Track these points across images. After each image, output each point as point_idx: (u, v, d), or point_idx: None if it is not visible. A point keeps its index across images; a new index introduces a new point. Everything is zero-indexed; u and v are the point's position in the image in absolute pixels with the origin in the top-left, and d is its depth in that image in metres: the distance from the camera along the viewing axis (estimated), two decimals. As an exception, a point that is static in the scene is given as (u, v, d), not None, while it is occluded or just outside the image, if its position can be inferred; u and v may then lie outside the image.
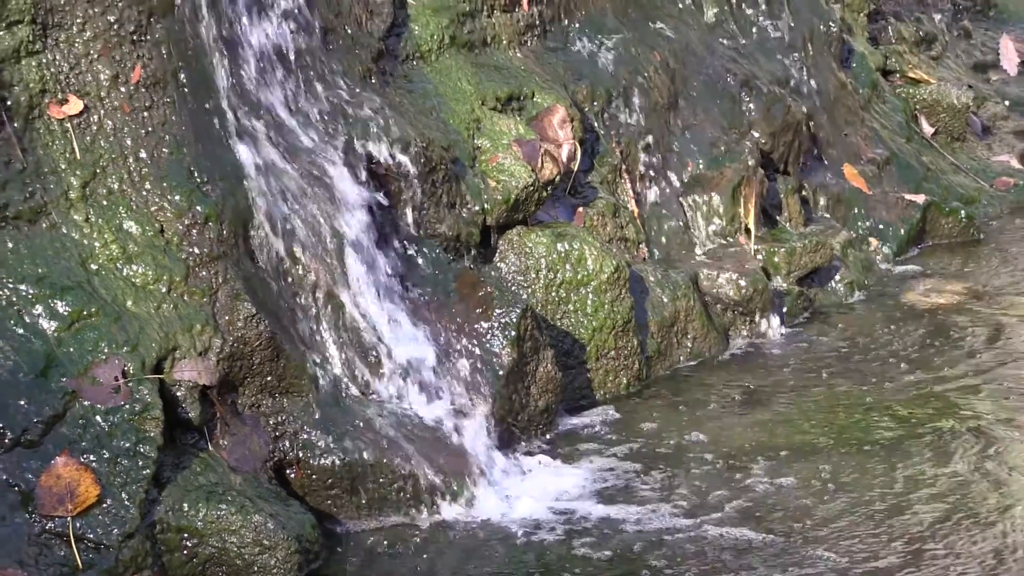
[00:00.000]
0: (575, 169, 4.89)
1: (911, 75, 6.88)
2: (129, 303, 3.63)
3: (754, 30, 6.07)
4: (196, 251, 3.74)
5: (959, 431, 4.32)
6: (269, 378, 3.78)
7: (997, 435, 4.29)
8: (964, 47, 7.60)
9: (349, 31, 4.51)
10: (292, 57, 4.25)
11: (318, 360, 3.92)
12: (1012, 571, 3.50)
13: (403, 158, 4.38)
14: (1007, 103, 7.31)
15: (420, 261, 4.35)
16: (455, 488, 3.89)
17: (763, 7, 6.15)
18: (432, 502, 3.85)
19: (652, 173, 5.26)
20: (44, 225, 3.62)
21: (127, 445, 3.44)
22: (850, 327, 5.24)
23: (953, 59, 7.40)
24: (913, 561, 3.59)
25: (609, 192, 5.03)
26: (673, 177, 5.31)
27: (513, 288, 4.52)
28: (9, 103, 3.62)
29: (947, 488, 3.97)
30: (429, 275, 4.34)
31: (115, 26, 3.76)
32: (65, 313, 3.53)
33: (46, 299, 3.52)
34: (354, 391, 3.97)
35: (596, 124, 5.11)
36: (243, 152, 3.96)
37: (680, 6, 5.79)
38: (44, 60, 3.69)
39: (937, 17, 7.55)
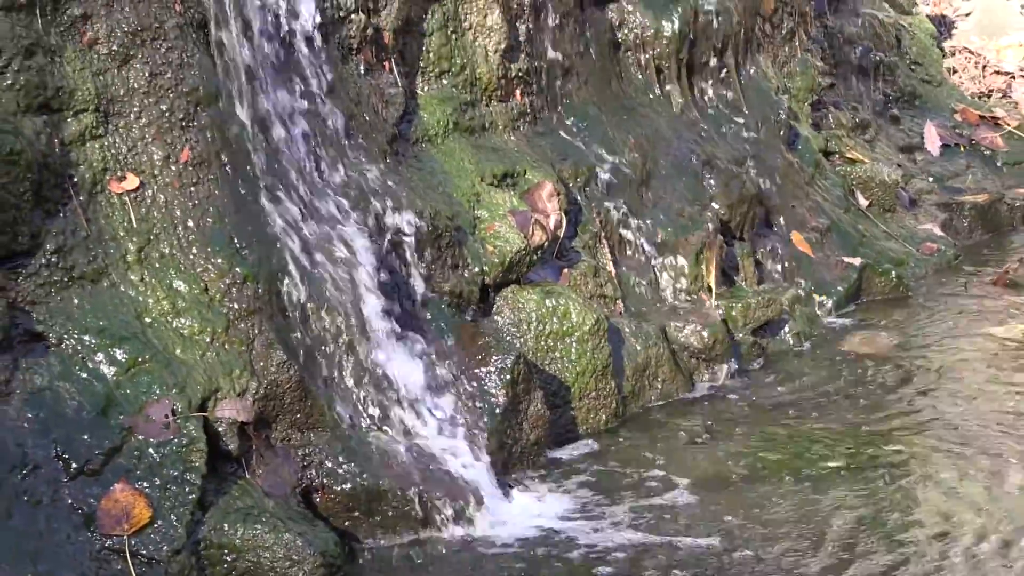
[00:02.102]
0: (561, 236, 4.90)
1: (849, 155, 6.89)
2: (178, 351, 3.63)
3: (714, 117, 6.09)
4: (235, 306, 3.74)
5: (888, 462, 4.31)
6: (298, 415, 3.78)
7: (918, 466, 4.29)
8: (893, 132, 7.62)
9: (367, 118, 4.52)
10: (319, 139, 4.26)
11: (340, 399, 3.92)
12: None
13: (414, 226, 4.39)
14: (931, 180, 7.33)
15: (428, 315, 4.35)
16: (457, 510, 3.87)
17: (722, 99, 6.17)
18: (438, 522, 3.83)
19: (627, 239, 5.26)
20: (105, 284, 3.62)
21: (175, 473, 3.44)
22: (797, 372, 5.24)
23: (884, 142, 7.42)
24: (842, 569, 3.59)
25: (590, 255, 5.03)
26: (645, 243, 5.31)
27: (508, 338, 4.51)
28: (76, 179, 3.63)
29: (874, 510, 3.97)
30: (436, 326, 4.33)
31: (166, 114, 3.78)
32: (123, 360, 3.53)
33: (106, 348, 3.53)
34: (371, 426, 3.96)
35: (579, 197, 5.12)
36: (276, 221, 3.96)
37: (651, 97, 5.80)
38: (106, 143, 3.70)
39: (870, 106, 7.58)
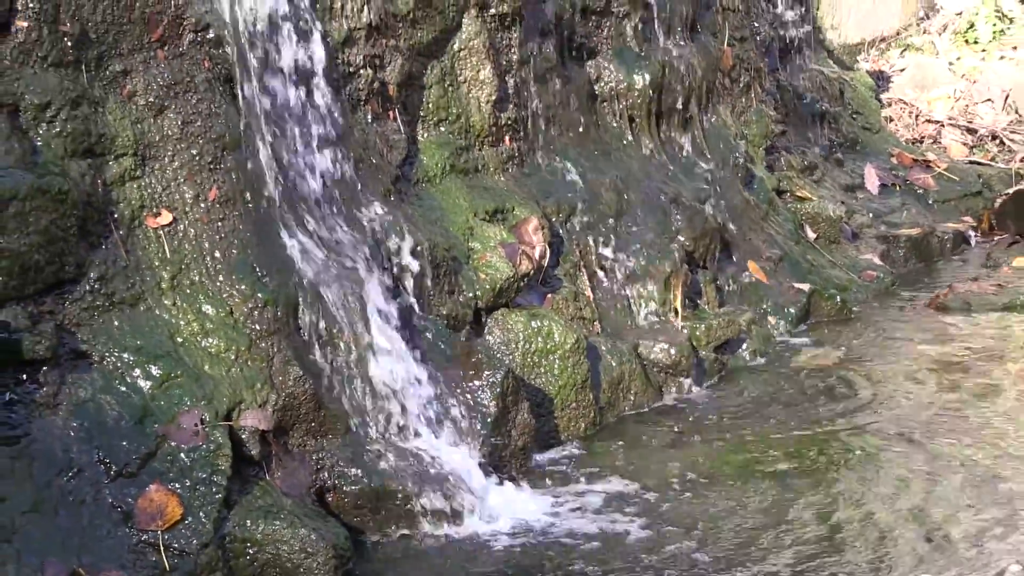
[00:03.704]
0: (545, 265, 4.90)
1: (798, 194, 6.90)
2: (206, 367, 3.63)
3: (680, 160, 6.10)
4: (257, 328, 3.74)
5: (835, 463, 4.32)
6: (312, 424, 3.78)
7: (864, 466, 4.29)
8: (838, 173, 7.64)
9: (374, 160, 4.53)
10: (331, 180, 4.26)
11: (350, 410, 3.91)
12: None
13: (415, 256, 4.39)
14: (870, 215, 7.35)
15: (428, 335, 4.35)
16: (453, 508, 3.87)
17: (686, 143, 6.19)
18: (436, 519, 3.83)
19: (603, 268, 5.27)
20: (142, 308, 3.62)
21: (204, 476, 3.43)
22: (754, 384, 5.24)
23: (830, 182, 7.44)
24: (794, 557, 3.60)
25: (571, 282, 5.04)
26: (619, 271, 5.32)
27: (498, 355, 4.51)
28: (116, 216, 3.63)
29: (823, 506, 3.96)
30: (434, 345, 4.33)
31: (196, 158, 3.79)
32: (157, 375, 3.53)
33: (143, 364, 3.53)
34: (377, 434, 3.96)
35: (561, 231, 5.13)
36: (292, 252, 3.96)
37: (624, 142, 5.82)
38: (143, 183, 3.71)
39: (817, 151, 7.61)
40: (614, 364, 4.86)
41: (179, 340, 3.63)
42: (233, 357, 3.67)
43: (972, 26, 9.89)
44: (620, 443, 4.59)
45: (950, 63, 9.44)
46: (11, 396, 3.30)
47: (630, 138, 5.85)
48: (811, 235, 6.69)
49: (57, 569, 3.12)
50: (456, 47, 4.91)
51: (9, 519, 3.13)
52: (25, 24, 3.47)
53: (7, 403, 3.29)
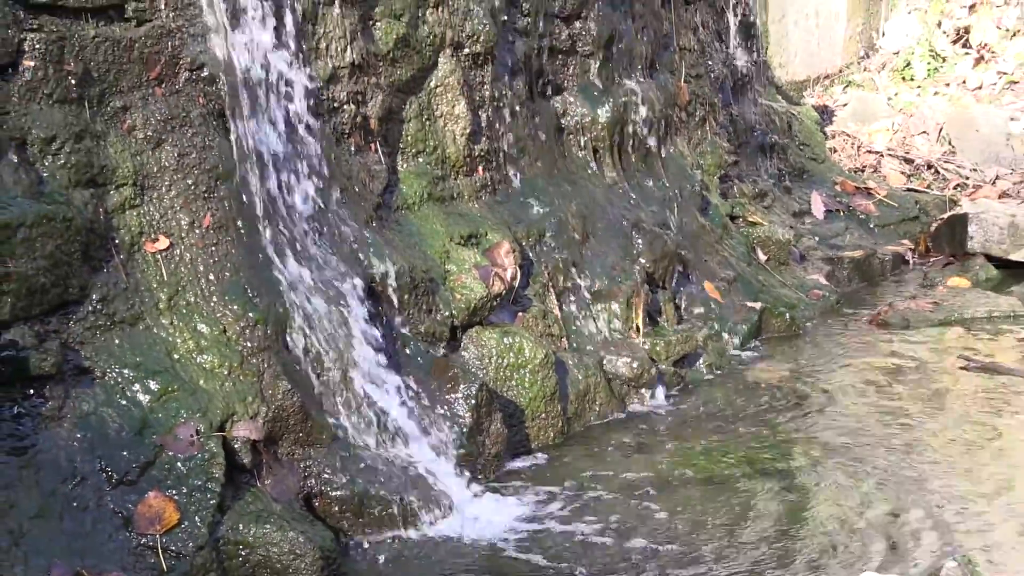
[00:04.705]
0: (516, 286, 4.91)
1: (750, 219, 6.93)
2: (201, 382, 3.63)
3: (641, 188, 6.13)
4: (249, 345, 3.74)
5: (785, 468, 4.34)
6: (300, 434, 3.78)
7: (812, 470, 4.32)
8: (787, 200, 7.69)
9: (357, 189, 4.54)
10: (316, 207, 4.27)
11: (335, 421, 3.92)
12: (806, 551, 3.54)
13: (395, 278, 4.40)
14: (817, 239, 7.38)
15: (407, 351, 4.36)
16: (432, 512, 3.88)
17: (647, 174, 6.22)
18: (416, 521, 3.84)
19: (570, 288, 5.28)
20: (141, 327, 3.62)
21: (199, 483, 3.43)
22: (710, 395, 5.26)
23: (779, 208, 7.48)
24: (749, 553, 3.62)
25: (540, 301, 5.05)
26: (585, 291, 5.33)
27: (473, 370, 4.53)
28: (117, 241, 3.64)
29: (776, 506, 3.99)
30: (413, 360, 4.34)
31: (192, 187, 3.79)
32: (155, 389, 3.53)
33: (142, 379, 3.52)
34: (360, 443, 3.97)
35: (531, 254, 5.14)
36: (281, 274, 3.97)
37: (589, 171, 5.84)
38: (142, 211, 3.71)
39: (767, 179, 7.64)
40: (580, 377, 4.88)
41: (176, 357, 3.63)
42: (226, 372, 3.67)
43: (908, 64, 10.00)
44: (586, 451, 4.61)
45: (889, 98, 9.53)
46: (19, 409, 3.30)
47: (594, 168, 5.87)
48: (762, 257, 6.72)
49: (62, 571, 3.11)
50: (433, 84, 4.93)
51: (17, 524, 3.13)
52: (32, 63, 3.48)
53: (15, 416, 3.28)
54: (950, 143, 8.77)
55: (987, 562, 3.43)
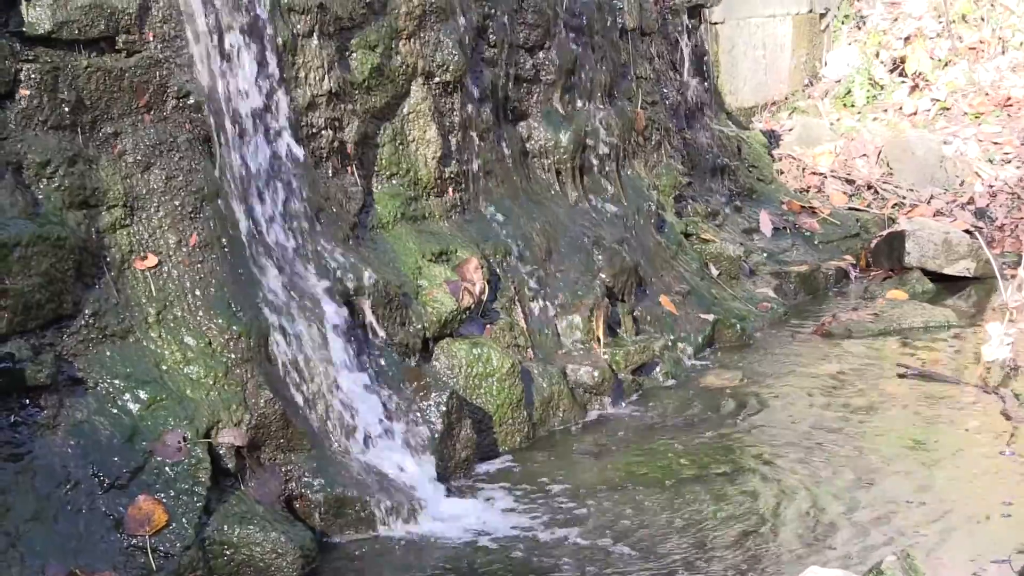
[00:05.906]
0: (484, 300, 4.92)
1: (703, 237, 6.94)
2: (188, 391, 3.63)
3: (601, 208, 6.15)
4: (233, 356, 3.75)
5: (737, 469, 4.38)
6: (282, 440, 3.78)
7: (761, 472, 4.35)
8: (737, 218, 7.71)
9: (334, 210, 4.55)
10: (295, 227, 4.28)
11: (315, 427, 3.92)
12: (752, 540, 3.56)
13: (370, 292, 4.40)
14: (765, 255, 7.40)
15: (382, 361, 4.36)
16: (406, 512, 3.89)
17: (606, 194, 6.24)
18: (390, 522, 3.85)
19: (535, 302, 5.30)
20: (131, 340, 3.62)
21: (186, 486, 3.44)
22: (666, 402, 5.27)
23: (730, 226, 7.50)
24: (701, 549, 3.64)
25: (507, 314, 5.06)
26: (549, 305, 5.34)
27: (444, 379, 4.53)
28: (108, 259, 3.64)
29: (728, 505, 4.02)
30: (388, 370, 4.35)
31: (179, 208, 3.80)
32: (145, 399, 3.53)
33: (132, 389, 3.53)
34: (338, 448, 3.97)
35: (498, 270, 5.15)
36: (263, 290, 3.98)
37: (552, 192, 5.86)
38: (132, 231, 3.72)
39: (719, 199, 7.67)
40: (545, 386, 4.89)
41: (164, 368, 3.63)
42: (211, 382, 3.68)
43: (849, 92, 10.10)
44: (551, 455, 4.62)
45: (831, 123, 9.62)
46: (16, 418, 3.29)
47: (557, 189, 5.90)
48: (715, 272, 6.74)
49: (56, 570, 3.11)
50: (406, 111, 4.95)
51: (14, 526, 3.12)
52: (28, 92, 3.49)
53: (12, 424, 3.28)
54: (888, 165, 8.86)
55: (924, 556, 3.47)
